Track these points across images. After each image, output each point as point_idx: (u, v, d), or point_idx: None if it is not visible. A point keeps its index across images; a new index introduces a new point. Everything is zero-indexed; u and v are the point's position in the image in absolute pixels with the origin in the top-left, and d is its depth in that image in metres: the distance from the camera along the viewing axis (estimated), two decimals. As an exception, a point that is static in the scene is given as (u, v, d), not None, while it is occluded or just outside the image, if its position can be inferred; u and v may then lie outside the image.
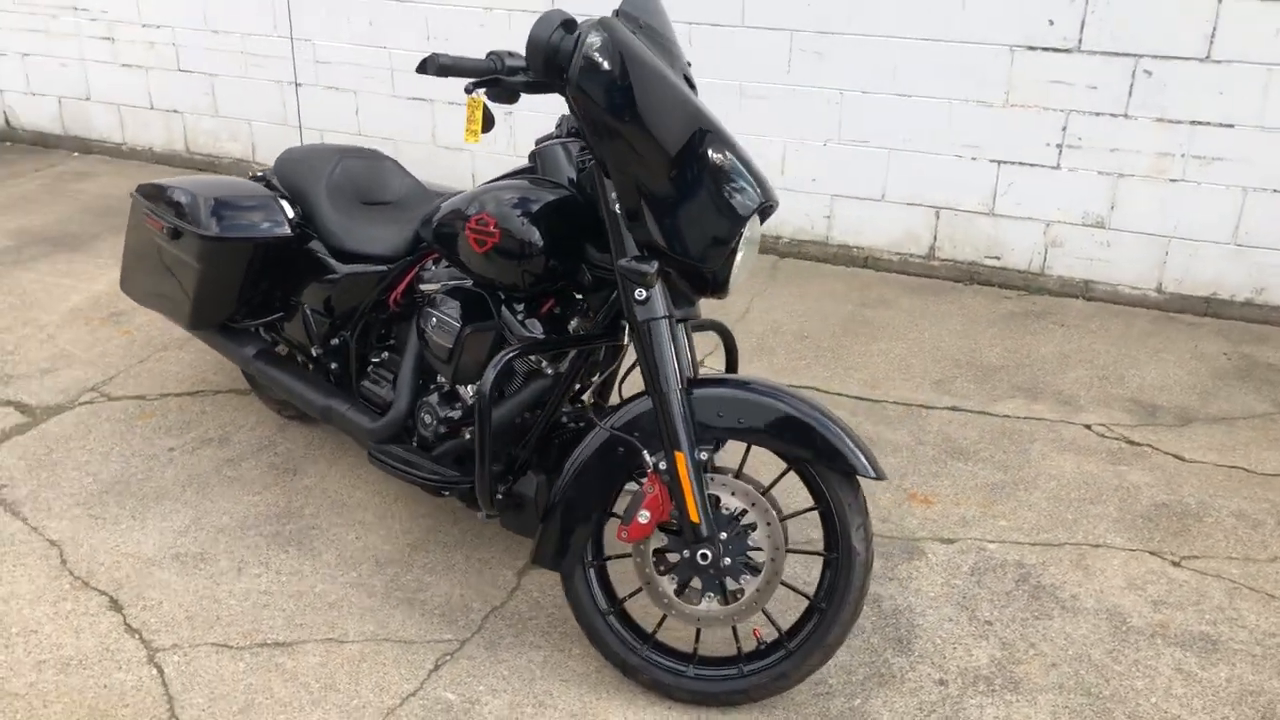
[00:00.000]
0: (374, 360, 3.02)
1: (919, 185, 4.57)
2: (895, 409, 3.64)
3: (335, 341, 3.09)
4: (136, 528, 2.96)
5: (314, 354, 3.13)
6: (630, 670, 2.43)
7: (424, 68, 2.20)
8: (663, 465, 2.30)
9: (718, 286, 2.31)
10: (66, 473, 3.19)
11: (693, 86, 2.44)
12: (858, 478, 2.33)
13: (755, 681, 2.38)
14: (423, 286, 2.78)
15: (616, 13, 2.29)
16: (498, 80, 2.28)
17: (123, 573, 2.78)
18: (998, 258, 4.60)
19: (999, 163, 4.44)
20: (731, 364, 2.84)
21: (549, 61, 2.18)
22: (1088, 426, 3.55)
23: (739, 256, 2.29)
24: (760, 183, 2.27)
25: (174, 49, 5.67)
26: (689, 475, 2.27)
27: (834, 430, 2.28)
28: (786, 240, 4.86)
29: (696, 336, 2.73)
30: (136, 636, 2.57)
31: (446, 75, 2.22)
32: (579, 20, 2.23)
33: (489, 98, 2.34)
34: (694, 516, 2.28)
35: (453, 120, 5.21)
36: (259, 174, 3.30)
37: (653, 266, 2.26)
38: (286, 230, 3.04)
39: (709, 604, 2.36)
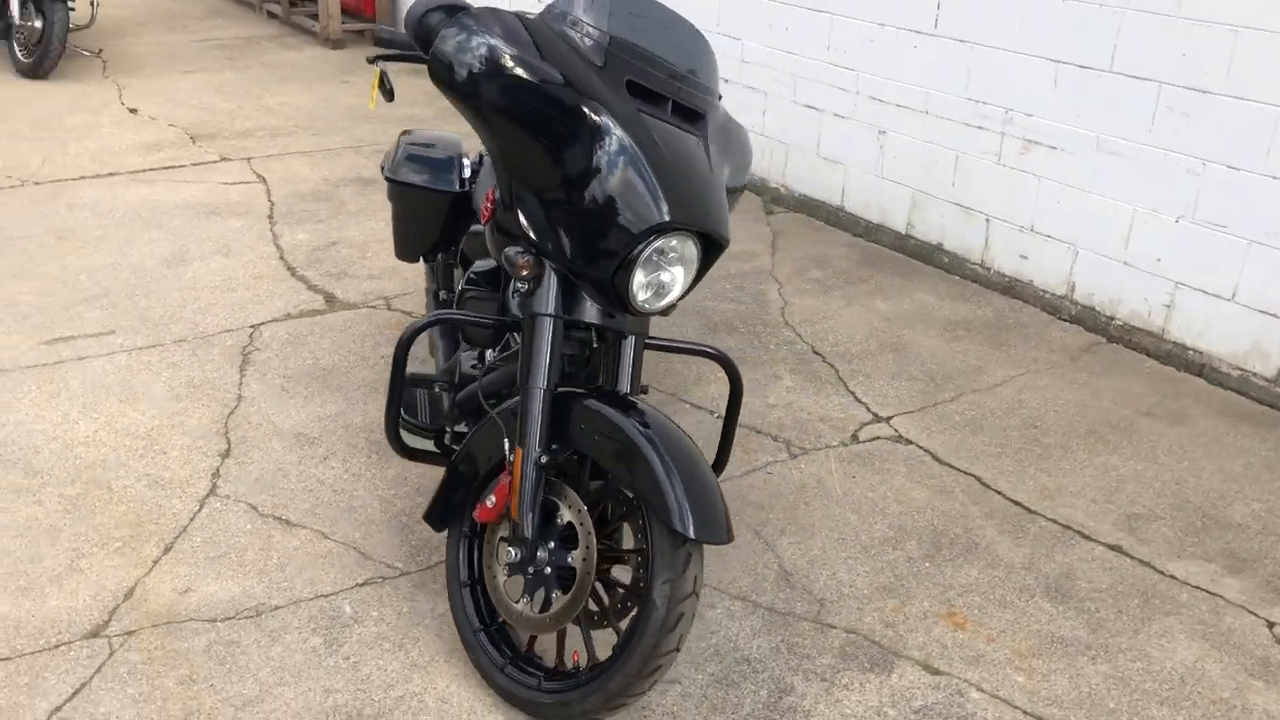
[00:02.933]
0: None
1: (1278, 291, 3.72)
2: (1044, 525, 3.11)
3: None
4: (298, 405, 3.56)
5: (442, 298, 3.49)
6: (465, 645, 2.50)
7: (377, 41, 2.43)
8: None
9: (621, 303, 2.27)
10: (299, 352, 3.90)
11: (690, 113, 2.37)
12: (701, 543, 2.18)
13: (544, 699, 2.35)
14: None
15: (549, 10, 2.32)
16: (403, 56, 2.43)
17: (254, 432, 3.40)
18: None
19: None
20: (735, 399, 2.71)
21: (418, 37, 2.28)
22: (1269, 625, 2.76)
23: (640, 275, 2.23)
24: (675, 203, 2.17)
25: (647, 35, 6.28)
26: (520, 473, 2.29)
27: (669, 480, 2.16)
28: (1119, 323, 4.21)
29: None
30: (213, 479, 3.16)
31: (380, 47, 2.42)
32: (471, 8, 2.28)
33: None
34: (514, 514, 2.29)
35: (839, 131, 5.19)
36: None
37: (523, 259, 2.29)
38: (455, 186, 3.40)
39: (524, 605, 2.36)
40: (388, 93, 2.56)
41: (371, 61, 2.54)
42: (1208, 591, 2.87)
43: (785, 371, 3.90)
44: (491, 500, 2.37)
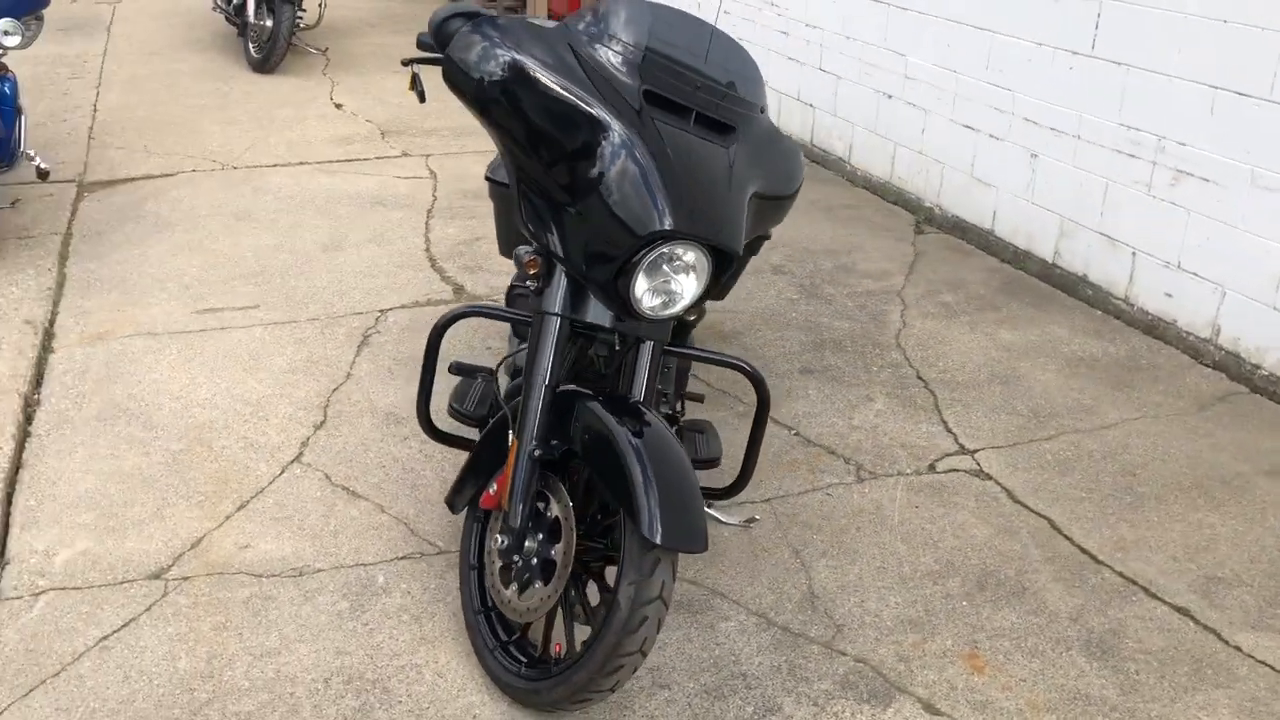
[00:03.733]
0: None
1: None
2: (1107, 578, 2.93)
3: None
4: (397, 387, 3.77)
5: None
6: (466, 625, 2.61)
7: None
8: None
9: (625, 307, 2.33)
10: (414, 338, 4.12)
11: (719, 125, 2.39)
12: (671, 551, 2.21)
13: (520, 685, 2.42)
14: None
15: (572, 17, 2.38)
16: (433, 59, 2.53)
17: (351, 408, 3.63)
18: None
19: None
20: (761, 415, 2.70)
21: (438, 41, 2.37)
22: (1334, 710, 2.51)
23: (642, 281, 2.28)
24: (680, 212, 2.21)
25: (820, 49, 6.23)
26: (514, 464, 2.37)
27: (644, 486, 2.20)
28: (1265, 373, 3.89)
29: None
30: (301, 448, 3.40)
31: (420, 50, 2.54)
32: (489, 16, 2.36)
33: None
34: (504, 503, 2.38)
35: (992, 152, 5.01)
36: None
37: (530, 258, 2.37)
38: None
39: (511, 593, 2.44)
40: (419, 94, 2.69)
41: (406, 64, 2.68)
42: (1273, 668, 2.64)
43: (880, 394, 3.82)
44: (494, 488, 2.47)
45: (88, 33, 9.49)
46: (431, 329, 2.66)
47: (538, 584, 2.38)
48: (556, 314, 2.40)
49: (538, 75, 2.25)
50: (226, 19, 8.45)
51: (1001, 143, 4.96)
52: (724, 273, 2.39)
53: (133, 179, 5.73)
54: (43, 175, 5.11)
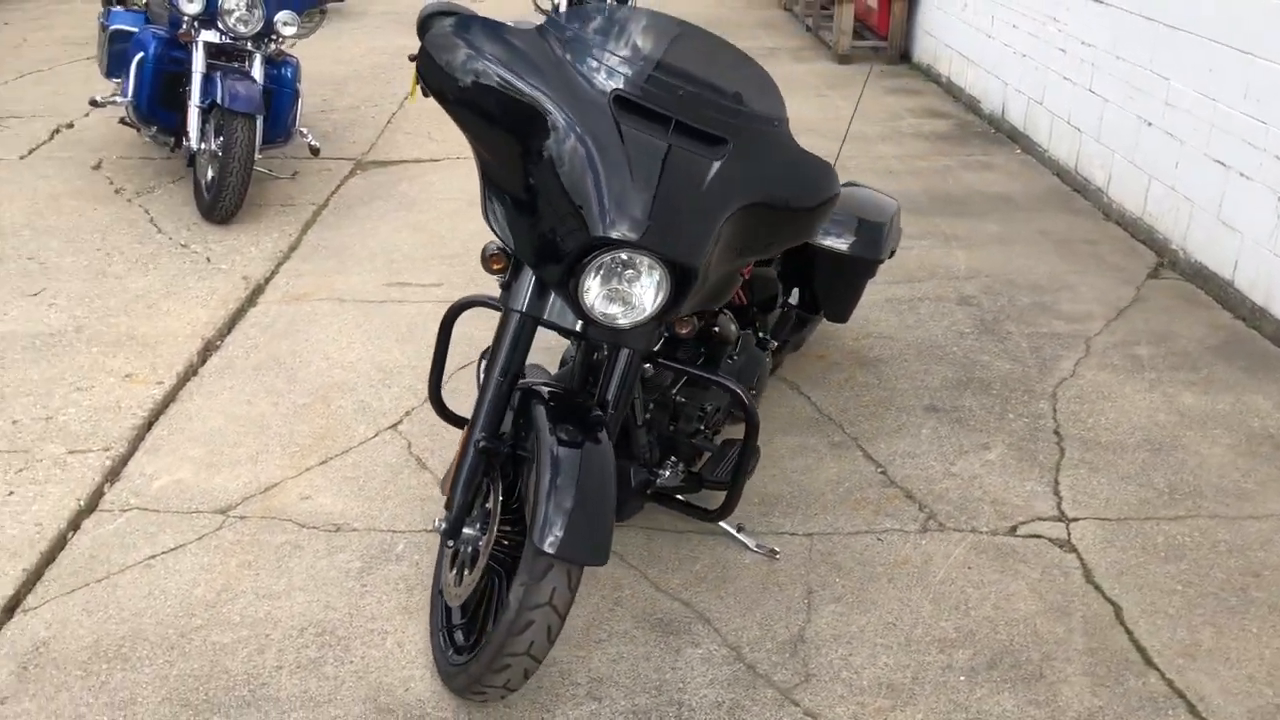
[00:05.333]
0: None
1: None
2: (1150, 684, 2.56)
3: None
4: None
5: None
6: (430, 601, 2.70)
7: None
8: None
9: (578, 310, 2.34)
10: (559, 329, 4.25)
11: (707, 136, 2.34)
12: (565, 562, 2.21)
13: (442, 666, 2.51)
14: None
15: (547, 23, 2.38)
16: None
17: (467, 388, 3.83)
18: None
19: None
20: (748, 442, 2.62)
21: (420, 30, 2.43)
22: None
23: (593, 286, 2.27)
24: (627, 219, 2.20)
25: (1091, 69, 5.71)
26: (460, 452, 2.45)
27: (550, 493, 2.23)
28: None
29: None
30: (403, 416, 3.65)
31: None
32: (467, 14, 2.40)
33: None
34: (444, 489, 2.46)
35: (1241, 192, 4.40)
36: None
37: (493, 253, 2.42)
38: None
39: (451, 575, 2.52)
40: (423, 90, 2.78)
41: (412, 59, 2.78)
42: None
43: (1000, 444, 3.50)
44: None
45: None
46: (443, 315, 2.78)
47: (468, 572, 2.43)
48: (518, 311, 2.43)
49: (500, 74, 2.29)
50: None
51: (1250, 182, 4.35)
52: (687, 286, 2.32)
53: (403, 161, 6.29)
54: (314, 152, 5.73)
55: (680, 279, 2.29)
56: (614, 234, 2.21)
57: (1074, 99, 5.93)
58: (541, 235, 2.32)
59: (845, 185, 3.78)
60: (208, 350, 4.07)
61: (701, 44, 2.46)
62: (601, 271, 2.25)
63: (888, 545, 3.03)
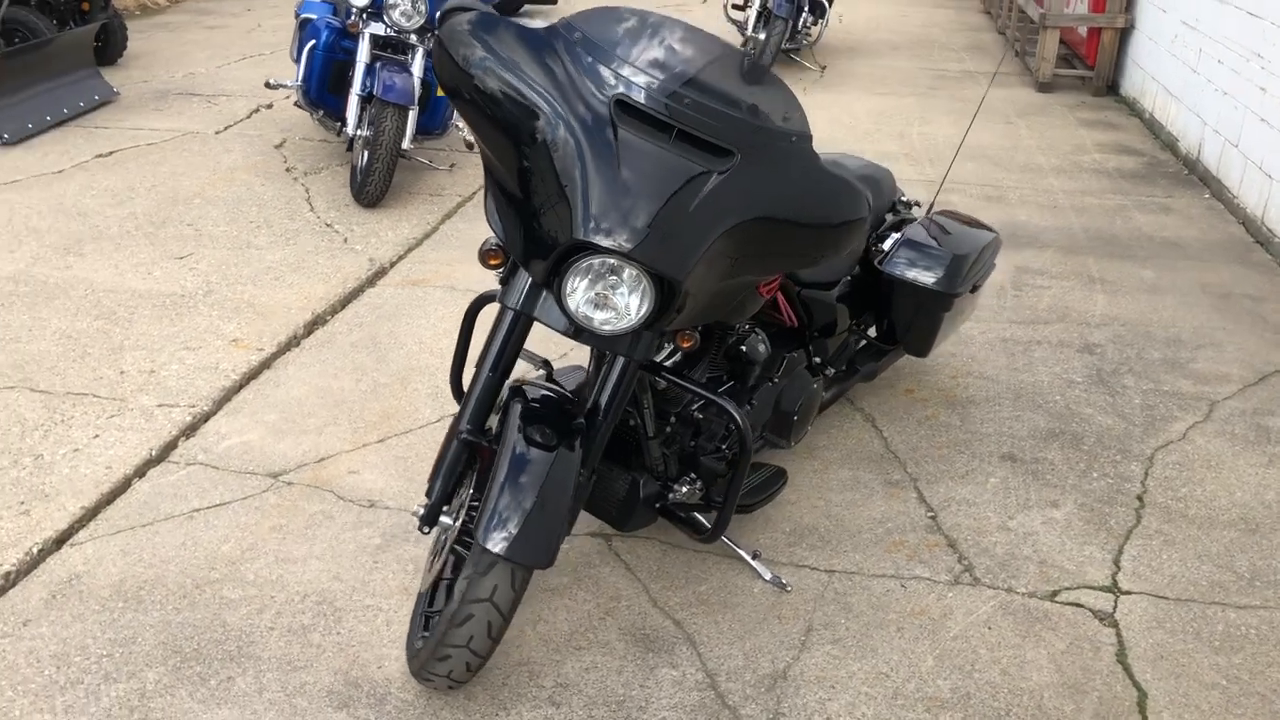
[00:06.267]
0: None
1: None
2: (1147, 780, 2.32)
3: None
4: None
5: None
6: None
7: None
8: None
9: (563, 312, 2.33)
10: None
11: (712, 146, 2.29)
12: (510, 563, 2.23)
13: (409, 647, 2.53)
14: None
15: (563, 24, 2.37)
16: None
17: (536, 383, 3.87)
18: None
19: None
20: (740, 463, 2.55)
21: (440, 23, 2.45)
22: None
23: (578, 289, 2.26)
24: (608, 224, 2.17)
25: (1290, 112, 5.23)
26: (445, 441, 2.49)
27: (499, 492, 2.26)
28: None
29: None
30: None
31: None
32: (483, 12, 2.41)
33: None
34: (430, 477, 2.51)
35: None
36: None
37: (490, 249, 2.44)
38: None
39: (426, 560, 2.55)
40: (439, 83, 2.80)
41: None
42: None
43: (1071, 504, 3.26)
44: (455, 463, 2.58)
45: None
46: (467, 307, 2.82)
47: (436, 558, 2.46)
48: (512, 308, 2.44)
49: (503, 71, 2.30)
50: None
51: None
52: (673, 297, 2.27)
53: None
54: (469, 146, 5.93)
55: (666, 289, 2.24)
56: (592, 238, 2.18)
57: (1269, 143, 5.44)
58: (530, 233, 2.32)
59: (940, 213, 3.62)
60: (315, 324, 4.28)
61: (719, 56, 2.40)
62: (589, 275, 2.23)
63: (910, 593, 2.87)
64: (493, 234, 2.49)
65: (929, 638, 2.71)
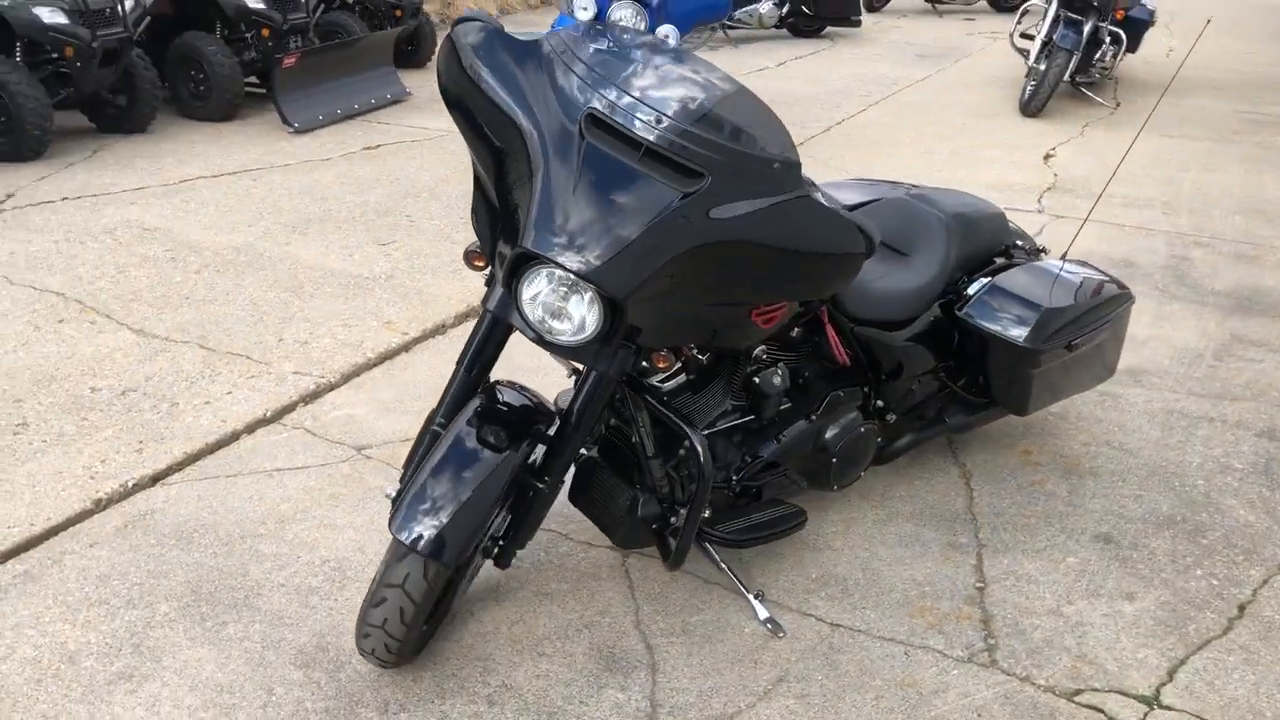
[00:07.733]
0: None
1: None
2: None
3: None
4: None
5: None
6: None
7: None
8: None
9: (525, 319, 2.38)
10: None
11: (680, 167, 2.26)
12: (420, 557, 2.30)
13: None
14: None
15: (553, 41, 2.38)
16: None
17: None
18: None
19: None
20: (700, 489, 2.49)
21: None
22: None
23: (535, 295, 2.30)
24: (553, 235, 2.21)
25: None
26: (421, 429, 2.60)
27: (417, 487, 2.35)
28: None
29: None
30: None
31: None
32: (488, 25, 2.44)
33: None
34: (404, 464, 2.62)
35: None
36: None
37: (473, 250, 2.50)
38: None
39: (395, 543, 2.66)
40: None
41: None
42: None
43: (1150, 601, 2.87)
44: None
45: (935, 60, 10.27)
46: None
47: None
48: (488, 310, 2.49)
49: (480, 83, 2.35)
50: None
51: None
52: (623, 313, 2.24)
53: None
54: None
55: (614, 305, 2.22)
56: (537, 248, 2.20)
57: None
58: (495, 239, 2.37)
59: (1073, 262, 3.31)
60: (467, 315, 4.50)
61: (708, 82, 2.35)
62: (547, 284, 2.25)
63: (910, 662, 2.65)
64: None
65: (905, 713, 2.49)
